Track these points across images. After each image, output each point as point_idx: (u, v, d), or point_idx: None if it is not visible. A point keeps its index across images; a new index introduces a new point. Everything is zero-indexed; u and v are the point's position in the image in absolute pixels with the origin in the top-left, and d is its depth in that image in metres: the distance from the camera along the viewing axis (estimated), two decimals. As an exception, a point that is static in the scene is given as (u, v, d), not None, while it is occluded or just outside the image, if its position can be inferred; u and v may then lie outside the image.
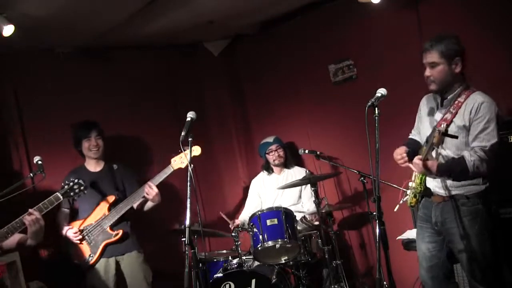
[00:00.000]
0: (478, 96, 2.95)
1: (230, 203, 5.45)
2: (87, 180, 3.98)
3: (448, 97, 3.02)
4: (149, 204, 4.18)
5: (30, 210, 3.36)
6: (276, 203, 4.66)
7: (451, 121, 2.95)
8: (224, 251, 4.55)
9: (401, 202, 3.12)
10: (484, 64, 3.85)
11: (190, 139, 3.13)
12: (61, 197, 3.54)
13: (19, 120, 4.40)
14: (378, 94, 2.85)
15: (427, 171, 2.93)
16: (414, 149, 3.14)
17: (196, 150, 3.75)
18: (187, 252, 2.96)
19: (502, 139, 3.32)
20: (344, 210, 4.88)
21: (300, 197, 4.77)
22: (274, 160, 4.81)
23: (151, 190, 4.01)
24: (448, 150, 2.97)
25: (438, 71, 2.97)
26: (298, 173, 4.80)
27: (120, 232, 4.00)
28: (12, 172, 4.28)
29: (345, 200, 4.88)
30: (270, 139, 4.83)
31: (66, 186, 3.61)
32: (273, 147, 4.79)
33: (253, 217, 4.09)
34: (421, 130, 3.22)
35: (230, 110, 5.60)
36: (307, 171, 4.69)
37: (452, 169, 2.90)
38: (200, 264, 3.91)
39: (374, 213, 2.71)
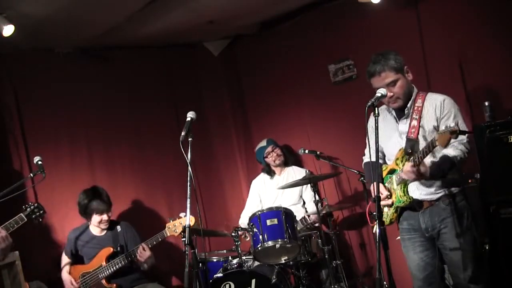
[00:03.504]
0: (435, 95, 3.02)
1: (230, 203, 5.45)
2: (91, 242, 4.13)
3: (408, 105, 3.03)
4: (144, 266, 4.10)
5: None
6: (276, 203, 4.66)
7: (419, 126, 2.97)
8: (224, 251, 4.55)
9: (375, 225, 2.81)
10: (484, 63, 3.85)
11: (190, 139, 3.12)
12: (25, 218, 3.58)
13: (19, 120, 4.39)
14: (378, 94, 2.83)
15: (419, 176, 2.86)
16: (380, 175, 3.10)
17: (191, 220, 3.76)
18: (187, 252, 2.96)
19: (502, 139, 3.33)
20: (344, 210, 4.87)
21: (300, 197, 4.77)
22: (274, 161, 4.81)
23: (144, 252, 3.98)
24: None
25: (399, 86, 2.98)
26: (298, 173, 4.80)
27: (114, 286, 4.01)
28: (12, 172, 4.27)
29: (345, 200, 4.87)
30: (263, 143, 4.85)
31: (28, 209, 3.62)
32: (269, 148, 4.80)
33: (253, 217, 4.08)
34: (386, 147, 3.19)
35: (230, 110, 5.59)
36: (307, 171, 4.68)
37: (442, 168, 2.90)
38: (200, 264, 3.91)
39: (374, 213, 2.70)
